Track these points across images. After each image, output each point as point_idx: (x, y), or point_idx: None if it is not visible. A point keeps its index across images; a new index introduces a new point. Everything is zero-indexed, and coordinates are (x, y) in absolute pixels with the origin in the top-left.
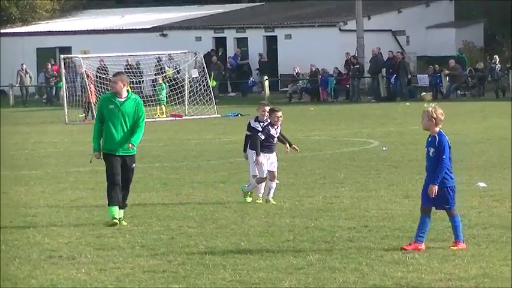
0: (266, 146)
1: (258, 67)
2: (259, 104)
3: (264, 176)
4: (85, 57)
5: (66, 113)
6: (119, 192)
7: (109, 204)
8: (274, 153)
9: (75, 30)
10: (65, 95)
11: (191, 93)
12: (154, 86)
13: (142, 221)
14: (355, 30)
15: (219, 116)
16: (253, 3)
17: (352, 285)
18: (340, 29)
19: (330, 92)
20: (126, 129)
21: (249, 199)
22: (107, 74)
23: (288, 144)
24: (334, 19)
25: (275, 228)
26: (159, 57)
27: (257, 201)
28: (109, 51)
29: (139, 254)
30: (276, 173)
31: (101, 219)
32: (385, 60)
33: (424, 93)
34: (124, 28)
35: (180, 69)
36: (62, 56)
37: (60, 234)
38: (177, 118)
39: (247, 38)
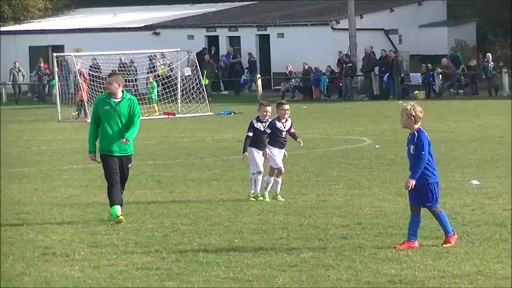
0: (275, 140)
1: (247, 66)
2: (259, 105)
3: (279, 166)
4: (78, 56)
5: (59, 111)
6: (120, 191)
7: (111, 204)
8: (284, 150)
9: (67, 29)
10: (57, 93)
11: (184, 92)
12: (147, 84)
13: (136, 219)
14: (347, 29)
15: (212, 114)
16: (246, 1)
17: (345, 282)
18: (332, 28)
19: (323, 90)
20: (122, 130)
21: (267, 199)
22: (100, 72)
23: (298, 141)
24: (326, 18)
25: (269, 226)
26: (150, 56)
27: (251, 198)
28: (101, 50)
29: (133, 251)
30: (282, 169)
31: (94, 216)
32: (377, 58)
33: (417, 92)
34: (116, 27)
35: (172, 68)
36: (55, 54)
37: (54, 232)
38: (170, 116)
39: (239, 36)
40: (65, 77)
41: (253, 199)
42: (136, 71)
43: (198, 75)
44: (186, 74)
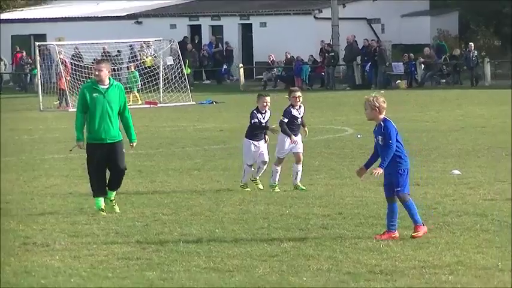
0: (292, 128)
1: (224, 55)
2: (258, 96)
3: (282, 156)
4: (60, 45)
5: (41, 100)
6: (103, 182)
7: (94, 196)
8: (300, 135)
9: (50, 18)
10: (39, 83)
11: (166, 81)
12: (128, 73)
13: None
14: (330, 18)
15: (194, 103)
16: None
17: (326, 272)
18: (315, 17)
19: (305, 79)
20: (111, 117)
21: (277, 189)
22: (82, 62)
23: (304, 129)
24: (309, 7)
25: (249, 216)
26: (131, 45)
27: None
28: (84, 39)
29: (114, 241)
30: (301, 155)
31: (75, 206)
32: (360, 48)
33: (399, 81)
34: (99, 16)
35: (155, 56)
36: (37, 44)
37: (34, 221)
38: (152, 105)
39: (222, 25)
40: (47, 66)
41: (242, 187)
42: (122, 62)
43: (180, 65)
44: (168, 63)
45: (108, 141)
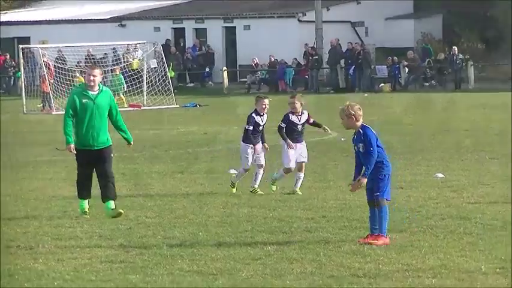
0: (290, 134)
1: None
2: (256, 98)
3: (290, 166)
4: (44, 48)
5: (24, 103)
6: (89, 184)
7: (78, 196)
8: (304, 143)
9: (33, 20)
10: (23, 85)
11: (150, 84)
12: (112, 76)
13: (100, 211)
14: (314, 21)
15: (178, 106)
16: None
17: (309, 275)
18: (299, 20)
19: (289, 83)
20: (100, 123)
21: (274, 187)
22: (65, 64)
23: (322, 128)
24: (293, 10)
25: (233, 219)
26: (114, 48)
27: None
28: (67, 42)
29: (97, 244)
30: (304, 164)
31: (58, 209)
32: (343, 51)
33: (382, 84)
34: (83, 18)
35: (142, 59)
36: (21, 46)
37: (18, 224)
38: (135, 108)
39: (206, 28)
40: (31, 69)
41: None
42: (106, 64)
43: (164, 68)
44: (152, 66)
45: (96, 148)
